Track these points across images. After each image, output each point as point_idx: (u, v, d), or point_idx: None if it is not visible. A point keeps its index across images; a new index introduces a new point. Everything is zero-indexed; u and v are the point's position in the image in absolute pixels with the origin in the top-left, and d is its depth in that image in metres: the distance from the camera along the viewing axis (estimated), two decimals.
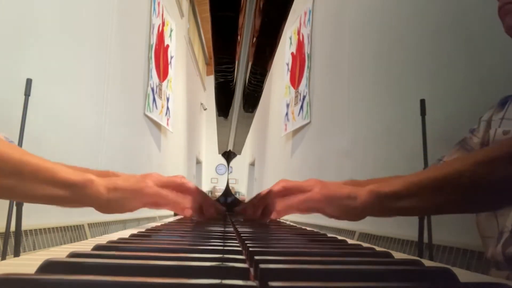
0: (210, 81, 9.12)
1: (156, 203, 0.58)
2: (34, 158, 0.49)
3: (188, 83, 6.23)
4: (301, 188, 0.59)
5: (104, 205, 0.54)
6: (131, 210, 0.57)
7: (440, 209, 0.54)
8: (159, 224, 0.68)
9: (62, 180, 0.50)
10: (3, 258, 1.33)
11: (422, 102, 1.45)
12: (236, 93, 0.50)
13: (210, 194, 8.40)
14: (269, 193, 0.63)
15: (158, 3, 3.69)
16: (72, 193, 0.51)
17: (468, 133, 0.78)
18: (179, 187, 0.60)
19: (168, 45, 4.12)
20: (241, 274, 0.22)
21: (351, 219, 0.56)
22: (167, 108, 4.08)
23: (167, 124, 4.13)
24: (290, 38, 4.10)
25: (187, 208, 0.59)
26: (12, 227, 1.34)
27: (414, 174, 0.52)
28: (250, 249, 0.30)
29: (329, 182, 0.59)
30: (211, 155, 10.95)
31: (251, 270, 0.25)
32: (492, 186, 0.45)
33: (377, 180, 0.55)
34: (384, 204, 0.52)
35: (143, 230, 0.51)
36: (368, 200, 0.52)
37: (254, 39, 0.37)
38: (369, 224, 2.03)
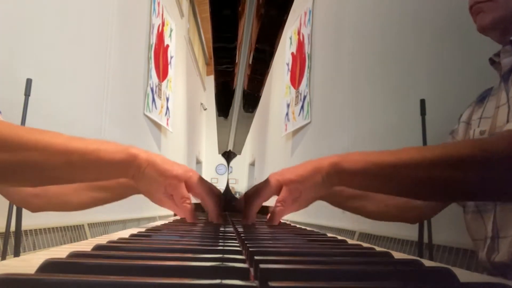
0: (210, 81, 9.10)
1: (171, 196, 0.58)
2: (79, 143, 0.51)
3: (188, 83, 6.22)
4: (276, 188, 0.59)
5: (140, 178, 0.54)
6: (155, 192, 0.57)
7: (394, 193, 0.55)
8: (159, 224, 0.68)
9: (108, 162, 0.51)
10: (3, 258, 1.33)
11: (422, 102, 1.45)
12: (236, 93, 0.50)
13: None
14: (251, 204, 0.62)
15: (158, 3, 3.69)
16: (117, 170, 0.53)
17: (448, 136, 0.78)
18: (202, 194, 0.61)
19: (168, 45, 4.12)
20: (241, 274, 0.22)
21: (321, 194, 0.57)
22: (167, 108, 4.08)
23: (167, 124, 4.13)
24: (290, 38, 4.10)
25: (191, 218, 0.60)
26: (12, 227, 1.34)
27: (379, 153, 0.52)
28: (250, 249, 0.30)
29: (292, 167, 0.59)
30: (211, 155, 10.95)
31: (251, 270, 0.25)
32: (449, 184, 0.46)
33: (342, 155, 0.55)
34: (343, 178, 0.53)
35: (143, 230, 0.51)
36: (329, 172, 0.53)
37: (254, 39, 0.37)
38: (369, 224, 2.03)
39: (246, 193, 0.64)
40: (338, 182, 0.54)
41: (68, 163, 0.49)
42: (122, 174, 0.54)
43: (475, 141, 0.59)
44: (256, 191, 0.61)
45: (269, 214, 0.66)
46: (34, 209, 0.70)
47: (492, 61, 0.69)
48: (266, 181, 0.60)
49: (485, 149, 0.45)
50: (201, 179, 0.61)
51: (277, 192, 0.59)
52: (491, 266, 0.60)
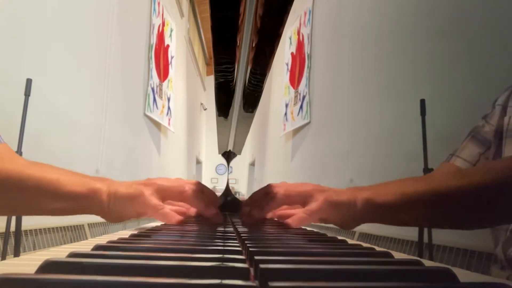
0: (210, 81, 9.12)
1: (147, 214, 0.56)
2: (36, 170, 0.47)
3: (188, 83, 6.22)
4: (302, 195, 0.57)
5: (106, 213, 0.52)
6: (128, 218, 0.55)
7: (435, 224, 0.52)
8: (159, 224, 0.68)
9: (67, 193, 0.48)
10: (3, 258, 1.33)
11: (422, 102, 1.45)
12: (236, 93, 0.50)
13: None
14: (271, 202, 0.59)
15: (158, 3, 3.68)
16: (77, 204, 0.50)
17: (481, 120, 0.73)
18: (179, 196, 0.58)
19: (168, 45, 4.12)
20: (241, 274, 0.22)
21: (345, 227, 0.54)
22: (168, 108, 4.08)
23: (169, 124, 4.12)
24: (290, 38, 4.10)
25: (173, 220, 0.57)
26: (12, 227, 1.34)
27: (411, 183, 0.50)
28: (250, 249, 0.30)
29: (326, 187, 0.57)
30: (211, 155, 10.95)
31: (251, 270, 0.25)
32: (495, 208, 0.43)
33: (374, 186, 0.53)
34: (379, 214, 0.50)
35: (143, 230, 0.51)
36: (363, 209, 0.50)
37: (254, 39, 0.37)
38: (369, 224, 2.03)
39: (271, 185, 0.60)
40: (371, 219, 0.51)
41: (21, 191, 0.45)
42: (82, 209, 0.50)
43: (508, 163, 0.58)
44: (286, 190, 0.57)
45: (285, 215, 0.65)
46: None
47: None
48: (298, 186, 0.57)
49: None
50: (167, 182, 0.57)
51: (304, 203, 0.56)
52: (506, 260, 0.59)
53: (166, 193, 0.57)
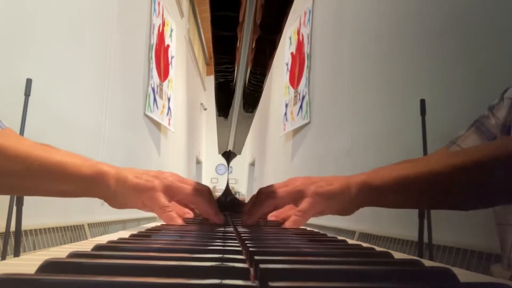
0: (210, 81, 9.11)
1: (151, 208, 0.55)
2: (43, 151, 0.47)
3: (188, 83, 6.23)
4: (292, 194, 0.56)
5: (112, 198, 0.51)
6: (132, 207, 0.55)
7: (431, 205, 0.52)
8: (159, 224, 0.68)
9: (72, 175, 0.47)
10: (3, 258, 1.33)
11: (422, 102, 1.45)
12: (236, 93, 0.50)
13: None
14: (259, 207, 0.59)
15: (158, 3, 3.69)
16: (83, 186, 0.49)
17: (486, 111, 0.70)
18: (188, 200, 0.57)
19: (168, 45, 4.12)
20: (241, 274, 0.22)
21: (344, 213, 0.54)
22: (168, 108, 4.08)
23: (169, 124, 4.13)
24: (290, 38, 4.10)
25: (177, 222, 0.57)
26: (12, 227, 1.34)
27: (407, 165, 0.49)
28: (250, 249, 0.30)
29: (315, 177, 0.56)
30: (211, 155, 10.95)
31: (251, 270, 0.25)
32: (491, 187, 0.43)
33: (368, 171, 0.52)
34: (375, 197, 0.50)
35: (143, 230, 0.51)
36: (359, 193, 0.50)
37: (254, 39, 0.37)
38: (369, 224, 2.03)
39: (260, 190, 0.60)
40: (368, 202, 0.51)
41: (28, 172, 0.45)
42: (89, 192, 0.50)
43: (504, 141, 0.54)
44: (271, 193, 0.57)
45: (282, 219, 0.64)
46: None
47: None
48: (287, 185, 0.56)
49: None
50: (180, 182, 0.56)
51: (295, 202, 0.56)
52: (508, 261, 0.58)
53: (175, 193, 0.56)
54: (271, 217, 0.66)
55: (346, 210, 0.53)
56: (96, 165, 0.50)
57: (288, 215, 0.61)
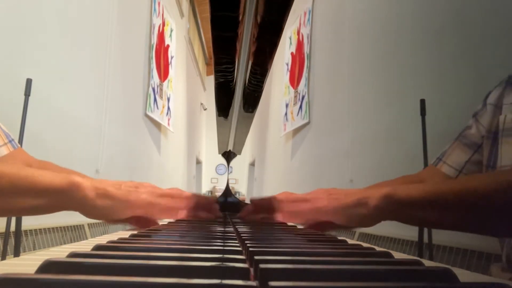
0: (210, 81, 9.09)
1: (146, 213, 0.54)
2: (10, 167, 0.45)
3: (188, 83, 6.23)
4: (307, 199, 0.56)
5: (89, 211, 0.49)
6: (117, 219, 0.53)
7: (457, 226, 0.47)
8: (159, 224, 0.68)
9: (44, 188, 0.46)
10: (3, 258, 1.33)
11: (422, 102, 1.45)
12: (236, 93, 0.50)
13: (210, 194, 8.39)
14: (273, 199, 0.60)
15: (158, 3, 3.69)
16: (56, 199, 0.47)
17: (471, 118, 0.70)
18: (173, 197, 0.57)
19: (168, 45, 4.12)
20: (241, 274, 0.22)
21: (364, 226, 0.52)
22: (168, 108, 4.09)
23: (168, 124, 4.13)
24: (290, 38, 4.10)
25: (181, 210, 0.57)
26: (12, 227, 1.34)
27: (432, 183, 0.48)
28: (250, 249, 0.30)
29: (336, 190, 0.55)
30: (211, 155, 10.95)
31: (251, 270, 0.25)
32: None
33: (390, 183, 0.51)
34: (399, 210, 0.47)
35: (143, 230, 0.51)
36: (381, 205, 0.47)
37: (254, 39, 0.37)
38: None
39: (281, 204, 0.60)
40: (391, 216, 0.48)
41: None
42: (63, 205, 0.48)
43: None
44: (297, 213, 0.57)
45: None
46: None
47: None
48: (311, 200, 0.56)
49: None
50: (158, 197, 0.55)
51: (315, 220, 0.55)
52: (507, 263, 0.58)
53: (154, 210, 0.55)
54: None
55: (360, 223, 0.52)
56: (68, 177, 0.48)
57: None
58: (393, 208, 0.47)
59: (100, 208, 0.49)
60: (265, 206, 0.64)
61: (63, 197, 0.47)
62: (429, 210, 0.45)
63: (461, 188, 0.42)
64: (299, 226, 0.63)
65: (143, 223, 0.55)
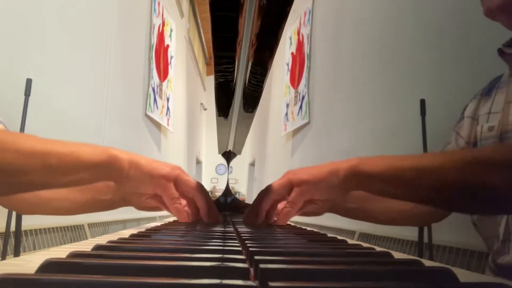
0: (210, 81, 9.11)
1: (161, 200, 0.57)
2: (55, 145, 0.48)
3: (188, 83, 6.23)
4: (284, 186, 0.57)
5: (124, 181, 0.53)
6: (143, 191, 0.55)
7: (416, 199, 0.50)
8: (159, 224, 0.68)
9: (87, 162, 0.49)
10: (3, 258, 1.33)
11: (422, 102, 1.45)
12: (236, 93, 0.50)
13: (210, 194, 8.35)
14: (261, 203, 0.61)
15: (158, 3, 3.69)
16: (97, 172, 0.50)
17: (452, 132, 0.72)
18: (191, 192, 0.59)
19: (168, 45, 4.12)
20: (241, 274, 0.22)
21: (336, 197, 0.54)
22: (167, 108, 4.09)
23: (168, 124, 4.13)
24: (290, 38, 4.10)
25: (183, 217, 0.59)
26: (12, 227, 1.34)
27: (401, 157, 0.49)
28: (250, 249, 0.30)
29: (309, 167, 0.57)
30: (211, 155, 10.95)
31: (251, 270, 0.25)
32: (474, 191, 0.42)
33: (362, 157, 0.53)
34: (361, 182, 0.50)
35: (143, 230, 0.51)
36: (347, 175, 0.50)
37: (254, 39, 0.37)
38: (369, 224, 2.03)
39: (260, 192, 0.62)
40: (355, 186, 0.51)
41: (46, 167, 0.46)
42: (103, 177, 0.52)
43: (506, 145, 0.54)
44: (268, 188, 0.58)
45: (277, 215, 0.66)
46: (24, 212, 0.68)
47: (501, 52, 0.65)
48: (280, 179, 0.58)
49: None
50: (188, 176, 0.59)
51: (289, 192, 0.56)
52: (497, 269, 0.59)
53: (181, 185, 0.57)
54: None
55: (333, 194, 0.54)
56: (107, 150, 0.51)
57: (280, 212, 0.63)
58: (357, 179, 0.50)
59: (132, 178, 0.52)
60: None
61: (104, 169, 0.50)
62: (389, 184, 0.48)
63: (418, 165, 0.45)
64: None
65: (167, 201, 0.57)
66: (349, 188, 0.52)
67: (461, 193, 0.43)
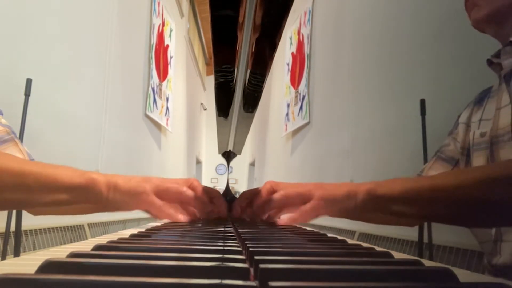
0: (210, 81, 9.10)
1: (148, 211, 0.57)
2: (34, 165, 0.50)
3: (188, 83, 6.22)
4: (301, 195, 0.58)
5: (103, 204, 0.54)
6: (126, 210, 0.56)
7: (434, 219, 0.53)
8: (159, 224, 0.68)
9: (65, 184, 0.50)
10: (3, 258, 1.33)
11: (422, 102, 1.45)
12: (236, 93, 0.50)
13: None
14: (260, 194, 0.62)
15: (158, 3, 3.68)
16: (76, 195, 0.51)
17: (447, 137, 0.76)
18: (178, 196, 0.59)
19: (167, 45, 4.12)
20: (241, 274, 0.22)
21: (351, 218, 0.56)
22: (167, 108, 4.09)
23: (167, 124, 4.13)
24: (291, 38, 4.10)
25: (179, 218, 0.59)
26: (12, 227, 1.34)
27: (416, 179, 0.52)
28: (250, 249, 0.30)
29: (327, 184, 0.58)
30: (211, 155, 10.95)
31: (251, 270, 0.25)
32: (488, 206, 0.44)
33: (378, 181, 0.55)
34: (379, 205, 0.52)
35: (143, 230, 0.51)
36: (365, 200, 0.52)
37: (254, 39, 0.37)
38: (369, 224, 2.03)
39: (270, 185, 0.62)
40: (373, 209, 0.53)
41: (23, 186, 0.48)
42: (82, 200, 0.53)
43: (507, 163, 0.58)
44: (285, 194, 0.59)
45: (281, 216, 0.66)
46: (33, 213, 0.69)
47: (490, 62, 0.68)
48: (299, 186, 0.59)
49: None
50: (168, 183, 0.59)
51: (302, 203, 0.58)
52: (493, 269, 0.60)
53: (165, 194, 0.58)
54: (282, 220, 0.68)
55: (350, 215, 0.56)
56: (86, 174, 0.52)
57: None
58: (375, 202, 0.52)
59: (112, 201, 0.53)
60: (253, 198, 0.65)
61: (82, 192, 0.52)
62: (407, 205, 0.50)
63: (433, 185, 0.47)
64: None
65: (156, 212, 0.58)
66: (366, 211, 0.53)
67: (475, 209, 0.45)
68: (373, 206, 0.52)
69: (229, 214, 0.72)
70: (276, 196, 0.60)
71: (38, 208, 0.63)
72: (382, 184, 0.52)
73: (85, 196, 0.52)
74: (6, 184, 0.47)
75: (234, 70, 0.42)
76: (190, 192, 0.59)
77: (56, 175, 0.50)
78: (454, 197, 0.46)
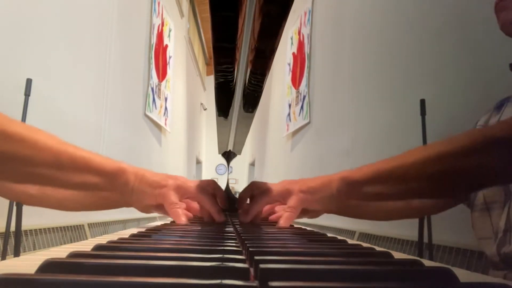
0: (210, 81, 9.11)
1: (162, 205, 0.59)
2: (70, 147, 0.53)
3: (188, 83, 6.22)
4: (281, 194, 0.62)
5: (129, 193, 0.55)
6: (146, 205, 0.58)
7: (408, 195, 0.54)
8: (159, 224, 0.68)
9: (97, 168, 0.53)
10: (3, 258, 1.33)
11: (422, 102, 1.45)
12: (236, 93, 0.50)
13: None
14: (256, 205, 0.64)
15: (158, 3, 3.68)
16: (105, 180, 0.53)
17: None
18: (192, 196, 0.62)
19: (167, 45, 4.12)
20: (241, 274, 0.22)
21: (331, 208, 0.58)
22: (165, 108, 4.09)
23: (165, 124, 4.13)
24: (291, 38, 4.10)
25: (181, 221, 0.61)
26: (12, 227, 1.34)
27: (386, 160, 0.53)
28: (250, 249, 0.30)
29: (302, 179, 0.62)
30: (211, 155, 10.94)
31: (251, 270, 0.25)
32: (456, 177, 0.46)
33: (351, 169, 0.58)
34: (355, 189, 0.54)
35: (143, 230, 0.51)
36: (340, 186, 0.54)
37: (254, 39, 0.37)
38: (369, 224, 2.03)
39: (254, 185, 0.66)
40: (349, 195, 0.55)
41: (57, 163, 0.50)
42: (109, 186, 0.54)
43: (476, 130, 0.59)
44: (265, 192, 0.62)
45: (276, 218, 0.68)
46: (25, 202, 0.70)
47: None
48: (277, 185, 0.62)
49: (485, 135, 0.46)
50: (188, 183, 0.62)
51: (284, 199, 0.61)
52: (500, 259, 0.60)
53: (184, 192, 0.61)
54: (271, 218, 0.71)
55: (329, 204, 0.58)
56: (116, 162, 0.56)
57: (278, 216, 0.67)
58: (350, 187, 0.54)
59: (137, 191, 0.56)
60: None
61: (111, 178, 0.54)
62: (380, 185, 0.52)
63: (402, 163, 0.49)
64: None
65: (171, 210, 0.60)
66: (344, 197, 0.55)
67: (444, 181, 0.47)
68: (348, 191, 0.54)
69: (228, 215, 0.72)
70: (262, 198, 0.63)
71: (65, 198, 0.63)
72: (355, 171, 0.55)
73: (113, 183, 0.54)
74: (43, 160, 0.49)
75: (234, 70, 0.42)
76: (208, 193, 0.63)
77: (90, 158, 0.52)
78: (424, 170, 0.47)
